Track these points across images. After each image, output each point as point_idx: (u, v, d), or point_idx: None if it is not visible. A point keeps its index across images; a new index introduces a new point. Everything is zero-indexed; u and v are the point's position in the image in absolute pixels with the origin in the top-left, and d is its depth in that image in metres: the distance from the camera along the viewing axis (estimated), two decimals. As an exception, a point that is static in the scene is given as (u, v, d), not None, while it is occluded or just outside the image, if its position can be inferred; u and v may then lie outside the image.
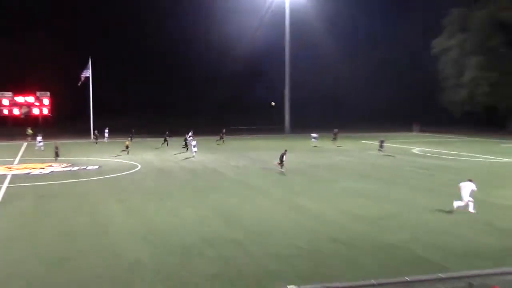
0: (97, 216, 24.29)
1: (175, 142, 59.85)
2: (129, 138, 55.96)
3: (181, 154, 51.07)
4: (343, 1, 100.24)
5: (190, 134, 58.20)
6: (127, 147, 52.14)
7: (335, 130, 63.22)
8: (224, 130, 65.32)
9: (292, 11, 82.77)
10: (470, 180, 25.29)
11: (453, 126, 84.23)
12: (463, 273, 4.98)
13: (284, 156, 38.24)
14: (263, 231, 21.44)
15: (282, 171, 37.72)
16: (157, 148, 55.30)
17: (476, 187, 24.93)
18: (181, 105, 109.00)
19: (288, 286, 4.49)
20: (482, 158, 47.46)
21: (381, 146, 50.34)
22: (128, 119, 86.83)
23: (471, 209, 24.61)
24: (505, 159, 46.63)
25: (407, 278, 4.65)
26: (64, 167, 41.69)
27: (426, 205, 26.42)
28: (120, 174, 37.85)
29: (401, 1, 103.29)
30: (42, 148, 53.76)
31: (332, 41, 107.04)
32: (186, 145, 53.47)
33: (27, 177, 36.84)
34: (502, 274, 4.92)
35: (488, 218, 23.57)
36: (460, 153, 51.52)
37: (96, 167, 41.41)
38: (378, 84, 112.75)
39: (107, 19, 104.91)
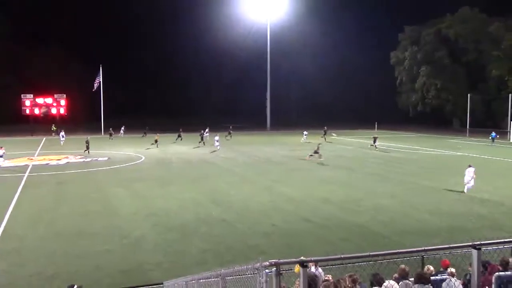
0: (106, 199, 24.11)
1: (167, 138, 59.52)
2: (157, 134, 54.33)
3: (178, 147, 50.72)
4: (315, 18, 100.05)
5: (206, 130, 58.18)
6: (156, 141, 51.23)
7: (325, 127, 62.45)
8: (231, 127, 64.48)
9: (272, 26, 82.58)
10: (470, 166, 26.45)
11: (407, 125, 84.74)
12: (417, 248, 4.92)
13: (318, 149, 39.43)
14: (247, 212, 21.44)
15: (321, 160, 38.27)
16: (174, 143, 54.33)
17: (475, 173, 25.91)
18: (179, 106, 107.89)
19: (268, 261, 4.38)
20: (431, 151, 47.78)
21: (374, 142, 48.88)
22: (133, 118, 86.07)
23: (465, 189, 25.47)
24: (449, 152, 46.99)
25: (370, 253, 4.57)
26: (79, 158, 41.22)
27: (385, 190, 26.54)
28: (127, 164, 37.51)
29: (365, 19, 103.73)
30: (62, 143, 53.00)
31: (307, 53, 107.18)
32: (202, 140, 52.65)
33: (46, 167, 36.36)
34: (449, 249, 4.87)
35: (436, 202, 23.73)
36: (412, 147, 51.84)
37: (106, 158, 40.98)
38: (346, 89, 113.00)
39: (114, 29, 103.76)
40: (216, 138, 48.38)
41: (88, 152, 43.61)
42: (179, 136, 57.28)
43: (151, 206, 22.51)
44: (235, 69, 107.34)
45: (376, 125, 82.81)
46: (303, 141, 57.80)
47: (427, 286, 7.33)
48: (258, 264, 4.47)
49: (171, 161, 39.76)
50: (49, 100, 71.61)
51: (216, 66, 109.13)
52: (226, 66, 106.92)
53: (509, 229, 18.50)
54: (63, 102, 72.18)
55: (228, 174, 32.83)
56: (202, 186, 27.75)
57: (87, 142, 44.77)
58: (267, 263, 4.34)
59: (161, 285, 11.78)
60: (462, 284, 9.14)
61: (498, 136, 58.01)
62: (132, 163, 38.38)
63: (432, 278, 9.06)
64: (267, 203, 23.28)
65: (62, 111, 72.41)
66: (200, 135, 53.87)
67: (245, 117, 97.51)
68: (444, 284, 9.20)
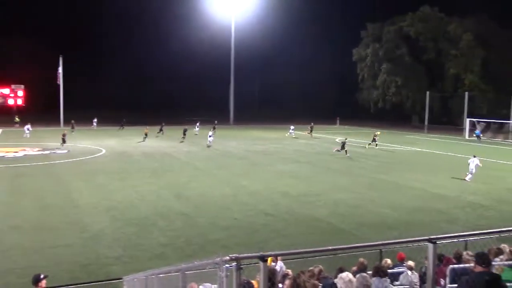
0: (65, 193, 23.58)
1: (133, 130, 58.71)
2: (146, 127, 52.66)
3: (137, 140, 50.05)
4: (279, 13, 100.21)
5: (197, 124, 58.33)
6: (146, 134, 50.22)
7: (312, 124, 62.27)
8: (216, 122, 63.31)
9: (236, 21, 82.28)
10: (474, 156, 28.66)
11: (368, 121, 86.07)
12: (375, 242, 4.99)
13: (345, 144, 39.91)
14: (208, 206, 21.39)
15: (348, 156, 38.62)
16: (157, 137, 52.94)
17: (480, 163, 28.76)
18: (142, 101, 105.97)
19: (228, 256, 4.36)
20: (390, 146, 48.73)
21: (373, 140, 46.74)
22: (94, 111, 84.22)
23: (468, 178, 27.79)
24: (408, 148, 48.05)
25: (329, 247, 4.61)
26: (37, 150, 40.12)
27: (344, 185, 26.92)
28: (87, 157, 36.76)
29: (328, 16, 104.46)
30: (29, 135, 51.23)
31: (270, 48, 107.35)
32: (184, 135, 51.11)
33: (2, 159, 35.22)
34: (406, 242, 4.96)
35: (394, 196, 24.23)
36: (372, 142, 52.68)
37: (65, 151, 40.02)
38: (308, 85, 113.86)
39: (76, 19, 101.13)
40: (210, 133, 47.05)
41: (62, 145, 42.39)
42: (161, 129, 55.90)
43: (111, 200, 22.17)
44: (198, 64, 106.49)
45: (338, 121, 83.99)
46: (290, 136, 57.84)
47: (384, 279, 7.47)
48: (218, 259, 4.44)
49: (132, 154, 39.19)
50: (6, 91, 69.46)
51: (180, 61, 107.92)
52: (189, 60, 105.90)
53: (463, 223, 19.09)
54: (20, 93, 70.16)
55: (190, 167, 32.63)
56: (163, 180, 27.50)
57: (63, 135, 43.59)
58: (228, 257, 4.32)
59: (121, 280, 11.62)
60: (418, 277, 9.38)
61: (481, 134, 59.49)
62: (92, 156, 37.64)
63: (389, 271, 9.26)
64: (228, 197, 23.26)
65: (20, 102, 70.37)
66: (184, 130, 52.12)
67: (208, 111, 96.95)
68: (401, 277, 9.42)
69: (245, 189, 25.28)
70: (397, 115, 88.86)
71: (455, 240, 7.78)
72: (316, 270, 8.13)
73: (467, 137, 62.74)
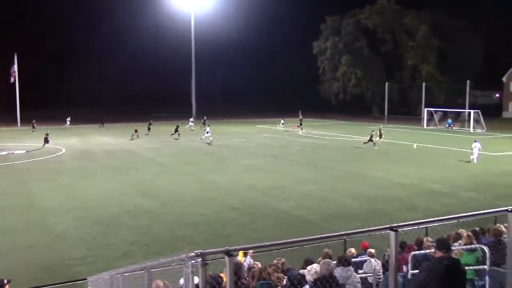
0: (26, 194, 22.99)
1: (90, 129, 57.70)
2: (136, 124, 51.24)
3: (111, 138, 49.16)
4: (239, 6, 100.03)
5: (191, 120, 58.58)
6: (136, 131, 49.05)
7: (300, 117, 62.03)
8: (205, 117, 61.71)
9: (196, 14, 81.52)
10: (475, 141, 33.01)
11: (330, 113, 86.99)
12: (339, 233, 5.07)
13: (373, 138, 40.50)
14: (174, 202, 21.26)
15: (375, 148, 39.61)
16: (146, 135, 51.52)
17: (481, 146, 32.76)
18: (104, 98, 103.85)
19: (194, 252, 4.35)
20: (351, 138, 49.42)
21: (380, 135, 44.99)
22: (53, 109, 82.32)
23: (475, 160, 31.78)
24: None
25: (295, 239, 4.66)
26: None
27: (309, 177, 27.18)
28: (47, 157, 35.87)
29: (288, 8, 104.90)
30: None
31: (231, 42, 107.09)
32: (177, 131, 49.47)
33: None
34: (369, 231, 5.06)
35: (357, 186, 24.61)
36: (335, 134, 53.36)
37: (24, 151, 38.90)
38: (270, 78, 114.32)
39: (32, 15, 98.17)
40: (207, 129, 45.64)
41: (43, 146, 41.07)
42: (148, 129, 53.87)
43: (74, 199, 21.73)
44: (158, 58, 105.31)
45: (300, 113, 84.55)
46: (281, 128, 58.21)
47: (347, 268, 7.60)
48: (184, 255, 4.42)
49: (93, 152, 38.47)
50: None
51: (139, 54, 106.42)
52: (149, 54, 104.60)
53: (423, 210, 19.58)
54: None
55: (154, 164, 32.29)
56: (127, 177, 27.15)
57: (46, 134, 42.41)
58: (193, 253, 4.30)
59: (85, 280, 11.43)
60: (381, 264, 9.59)
61: (453, 123, 60.91)
62: (53, 155, 36.74)
63: (353, 260, 9.43)
64: (195, 193, 23.16)
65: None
66: (176, 126, 50.46)
67: (170, 106, 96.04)
68: (364, 265, 9.60)
69: (212, 184, 25.21)
70: (358, 107, 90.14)
71: (416, 227, 7.98)
72: (280, 263, 8.22)
73: (425, 126, 64.24)
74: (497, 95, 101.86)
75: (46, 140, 41.95)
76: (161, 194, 22.97)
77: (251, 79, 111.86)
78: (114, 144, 43.92)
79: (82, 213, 19.41)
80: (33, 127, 56.38)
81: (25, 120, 60.92)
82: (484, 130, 56.81)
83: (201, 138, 45.18)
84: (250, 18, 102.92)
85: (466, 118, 61.47)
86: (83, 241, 15.91)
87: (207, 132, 45.06)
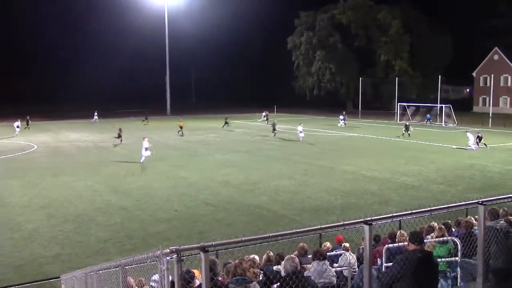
0: (-6, 193, 22.45)
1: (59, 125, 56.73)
2: (180, 119, 51.70)
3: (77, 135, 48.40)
4: (212, 4, 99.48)
5: (264, 114, 61.05)
6: (181, 127, 48.06)
7: (226, 117, 61.41)
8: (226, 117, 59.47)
9: (170, 9, 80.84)
10: (467, 131, 37.26)
11: (305, 108, 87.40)
12: (314, 227, 5.10)
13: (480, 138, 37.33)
14: (147, 199, 21.08)
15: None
16: (145, 125, 51.04)
17: (473, 136, 36.40)
18: (72, 94, 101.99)
19: (169, 248, 4.32)
20: (326, 132, 49.79)
21: (407, 129, 45.05)
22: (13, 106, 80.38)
23: (474, 148, 35.57)
24: (343, 133, 49.28)
25: (270, 234, 4.67)
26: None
27: (282, 172, 27.27)
28: (17, 154, 35.14)
29: (262, 3, 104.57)
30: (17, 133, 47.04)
31: (206, 37, 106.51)
32: (266, 119, 52.35)
33: None
34: (343, 225, 5.10)
35: (331, 181, 24.81)
36: (309, 129, 53.62)
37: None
38: (245, 73, 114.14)
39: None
40: (300, 128, 42.52)
41: (119, 142, 40.04)
42: (146, 118, 55.70)
43: (45, 197, 21.35)
44: (131, 53, 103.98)
45: (275, 109, 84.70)
46: (262, 122, 58.85)
47: (323, 262, 7.66)
48: (159, 252, 4.39)
49: (65, 149, 37.86)
50: None
51: (110, 50, 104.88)
52: (121, 49, 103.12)
53: (395, 203, 19.88)
54: None
55: (127, 160, 31.94)
56: (99, 174, 26.80)
57: (120, 130, 41.05)
58: (168, 250, 4.28)
59: (58, 278, 11.25)
60: (356, 257, 9.70)
61: (431, 118, 61.73)
62: (23, 152, 36.02)
63: (329, 254, 9.51)
64: (168, 189, 23.01)
65: None
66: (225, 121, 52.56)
67: (144, 102, 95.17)
68: (340, 259, 9.70)
69: (185, 180, 25.08)
70: (332, 102, 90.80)
71: (390, 220, 8.09)
72: (257, 258, 8.23)
73: (398, 121, 65.08)
74: (468, 90, 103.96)
75: (119, 136, 40.45)
76: (134, 190, 22.74)
77: (225, 74, 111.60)
78: (86, 141, 43.29)
79: (53, 211, 19.10)
80: (27, 123, 53.66)
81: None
82: (455, 124, 57.93)
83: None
84: (224, 13, 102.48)
85: (438, 112, 62.58)
86: (55, 239, 15.65)
87: (300, 132, 42.22)
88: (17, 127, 47.28)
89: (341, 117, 58.52)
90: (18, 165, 30.25)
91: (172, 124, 59.24)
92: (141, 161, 29.95)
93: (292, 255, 6.44)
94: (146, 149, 30.19)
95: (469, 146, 36.07)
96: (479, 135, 37.20)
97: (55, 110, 73.23)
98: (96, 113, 64.71)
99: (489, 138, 38.95)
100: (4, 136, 45.81)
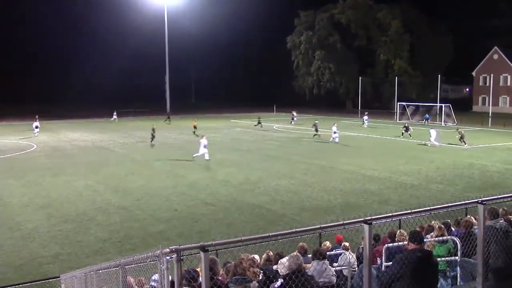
0: (-6, 192, 22.44)
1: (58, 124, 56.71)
2: (195, 119, 51.78)
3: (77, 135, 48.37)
4: (212, 4, 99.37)
5: (294, 114, 59.26)
6: (195, 127, 48.54)
7: (259, 116, 61.31)
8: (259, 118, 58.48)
9: (169, 9, 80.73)
10: (431, 128, 38.39)
11: (304, 107, 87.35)
12: (313, 226, 5.10)
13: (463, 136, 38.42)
14: (147, 198, 21.06)
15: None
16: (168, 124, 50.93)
17: (437, 132, 38.27)
18: (72, 94, 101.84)
19: (168, 248, 4.31)
20: (325, 132, 49.73)
21: (407, 130, 45.06)
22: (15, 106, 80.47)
23: (436, 144, 37.14)
24: (342, 133, 49.22)
25: (270, 234, 4.66)
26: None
27: (282, 171, 27.26)
28: (17, 153, 35.14)
29: (261, 2, 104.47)
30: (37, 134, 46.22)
31: (205, 37, 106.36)
32: (259, 123, 52.31)
33: None
34: (343, 225, 5.09)
35: (330, 180, 24.79)
36: (308, 128, 53.57)
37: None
38: (245, 73, 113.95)
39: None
40: (334, 129, 40.70)
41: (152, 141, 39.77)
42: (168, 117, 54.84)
43: (44, 197, 21.34)
44: (131, 53, 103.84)
45: (274, 108, 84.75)
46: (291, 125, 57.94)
47: (322, 261, 7.66)
48: (158, 251, 4.39)
49: (65, 149, 37.85)
50: None
51: (110, 50, 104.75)
52: (121, 50, 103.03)
53: (395, 203, 19.88)
54: None
55: (126, 160, 31.95)
56: (99, 174, 26.78)
57: (153, 130, 40.54)
58: (168, 249, 4.27)
59: (58, 278, 11.25)
60: (356, 257, 9.70)
61: (430, 118, 61.71)
62: (23, 152, 36.03)
63: (328, 253, 9.51)
64: (168, 188, 23.00)
65: None
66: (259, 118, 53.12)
67: (144, 102, 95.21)
68: (339, 258, 9.70)
69: (185, 180, 25.07)
70: (331, 101, 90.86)
71: (389, 220, 8.09)
72: (257, 257, 8.23)
73: (398, 120, 65.07)
74: (467, 89, 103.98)
75: (153, 136, 40.10)
76: (134, 190, 22.71)
77: (225, 74, 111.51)
78: (86, 141, 43.28)
79: (53, 210, 19.07)
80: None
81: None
82: (455, 124, 57.90)
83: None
84: (224, 13, 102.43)
85: (438, 112, 62.56)
86: (54, 239, 15.64)
87: (334, 133, 40.31)
88: (36, 127, 46.26)
89: (365, 117, 58.71)
90: (18, 164, 30.23)
91: (172, 123, 59.33)
92: (194, 156, 31.05)
93: (296, 253, 6.45)
94: (205, 146, 31.03)
95: (431, 142, 37.86)
96: (461, 131, 39.03)
97: (54, 110, 73.17)
98: (115, 113, 64.89)
99: (488, 138, 39.01)
100: (25, 137, 45.31)
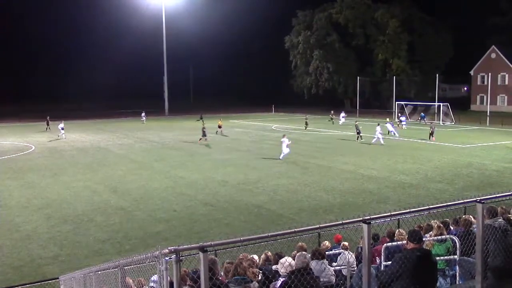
0: (-8, 193, 22.41)
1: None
2: (220, 119, 51.64)
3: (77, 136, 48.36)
4: (210, 3, 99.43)
5: (342, 115, 58.81)
6: (219, 126, 48.15)
7: (306, 117, 60.74)
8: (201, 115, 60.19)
9: (167, 9, 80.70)
10: (389, 122, 40.46)
11: (303, 107, 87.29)
12: (312, 226, 5.10)
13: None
14: (146, 199, 21.06)
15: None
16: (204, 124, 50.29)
17: (393, 126, 39.06)
18: (72, 94, 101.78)
19: (167, 248, 4.31)
20: (324, 132, 49.76)
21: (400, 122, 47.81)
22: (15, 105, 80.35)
23: (382, 140, 37.66)
24: (340, 132, 49.26)
25: (269, 233, 4.66)
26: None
27: (281, 171, 27.27)
28: (15, 155, 35.08)
29: (259, 2, 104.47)
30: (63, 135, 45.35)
31: (204, 37, 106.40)
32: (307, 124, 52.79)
33: None
34: (342, 224, 5.10)
35: (329, 180, 24.78)
36: (310, 128, 53.60)
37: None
38: (243, 73, 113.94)
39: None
40: (378, 129, 39.27)
41: (202, 139, 40.04)
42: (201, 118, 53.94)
43: (43, 197, 21.33)
44: (129, 53, 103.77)
45: (273, 108, 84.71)
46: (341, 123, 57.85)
47: (321, 261, 7.66)
48: (157, 252, 4.39)
49: (63, 149, 37.79)
50: None
51: (108, 50, 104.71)
52: (119, 49, 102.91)
53: (393, 202, 19.89)
54: None
55: (125, 160, 31.91)
56: (98, 174, 26.76)
57: (204, 128, 40.95)
58: (167, 250, 4.27)
59: (57, 279, 11.24)
60: (355, 256, 9.69)
61: (426, 117, 61.71)
62: (21, 153, 35.97)
63: (327, 253, 9.51)
64: (167, 189, 22.99)
65: None
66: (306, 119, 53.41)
67: (142, 102, 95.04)
68: (338, 258, 9.70)
69: (184, 180, 25.07)
70: (330, 101, 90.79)
71: (388, 219, 8.10)
72: (256, 257, 8.23)
73: (396, 119, 65.03)
74: (465, 89, 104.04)
75: (204, 133, 40.28)
76: (132, 190, 22.72)
77: (223, 74, 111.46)
78: (84, 141, 43.23)
79: (52, 211, 19.07)
80: (47, 123, 51.91)
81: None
82: (453, 123, 57.97)
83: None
84: (222, 13, 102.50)
85: (436, 111, 62.58)
86: (53, 240, 15.64)
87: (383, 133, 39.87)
88: (62, 128, 45.38)
89: (342, 114, 59.85)
90: (16, 165, 30.19)
91: (171, 123, 59.28)
92: (281, 157, 31.06)
93: (303, 252, 6.46)
94: (287, 145, 31.36)
95: (375, 137, 38.52)
96: (432, 127, 41.75)
97: (53, 110, 72.96)
98: (144, 113, 64.32)
99: (487, 137, 39.01)
100: (53, 138, 44.91)
